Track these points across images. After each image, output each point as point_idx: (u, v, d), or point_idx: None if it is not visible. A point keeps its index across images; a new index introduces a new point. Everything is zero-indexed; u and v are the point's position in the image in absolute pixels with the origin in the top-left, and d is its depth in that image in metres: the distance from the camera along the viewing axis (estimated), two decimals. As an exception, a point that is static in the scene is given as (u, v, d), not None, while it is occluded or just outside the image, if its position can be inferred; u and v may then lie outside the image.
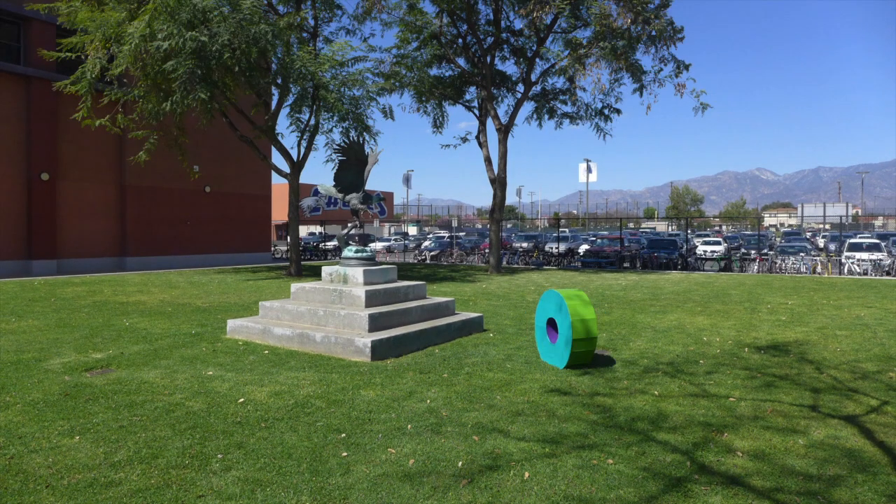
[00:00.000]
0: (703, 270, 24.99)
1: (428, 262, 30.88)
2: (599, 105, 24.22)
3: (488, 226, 28.35)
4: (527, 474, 4.20)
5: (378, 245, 37.55)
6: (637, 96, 22.42)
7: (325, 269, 9.57)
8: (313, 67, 18.23)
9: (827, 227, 54.51)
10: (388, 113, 22.10)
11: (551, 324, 7.91)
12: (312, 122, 21.05)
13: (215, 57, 16.47)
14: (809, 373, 7.08)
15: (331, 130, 21.52)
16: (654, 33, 20.54)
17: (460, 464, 4.38)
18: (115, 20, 16.56)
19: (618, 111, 24.29)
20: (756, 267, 24.58)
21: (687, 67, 21.56)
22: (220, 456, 4.52)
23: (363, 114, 20.44)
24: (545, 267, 26.76)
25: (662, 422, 5.31)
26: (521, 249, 31.36)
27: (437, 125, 25.71)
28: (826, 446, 4.76)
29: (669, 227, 71.45)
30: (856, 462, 4.45)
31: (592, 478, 4.15)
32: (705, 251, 30.35)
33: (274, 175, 27.35)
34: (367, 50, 21.84)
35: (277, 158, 28.21)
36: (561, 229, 43.59)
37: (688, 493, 3.95)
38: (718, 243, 32.81)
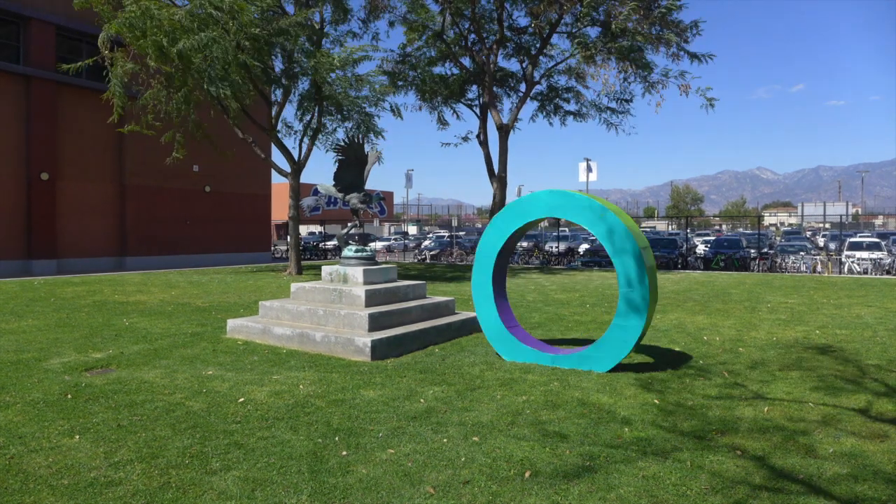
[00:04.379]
0: (703, 269, 24.98)
1: (428, 261, 30.87)
2: (606, 101, 24.27)
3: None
4: (527, 473, 4.20)
5: (378, 244, 37.55)
6: (646, 95, 22.48)
7: (325, 269, 9.57)
8: (319, 69, 18.25)
9: (827, 226, 54.48)
10: (395, 111, 22.03)
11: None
12: (315, 122, 21.08)
13: (231, 56, 16.55)
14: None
15: (334, 131, 21.59)
16: (661, 31, 20.53)
17: (460, 463, 4.38)
18: (168, 14, 16.36)
19: (628, 101, 24.27)
20: (756, 266, 24.57)
21: (703, 58, 21.38)
22: (220, 456, 4.52)
23: (370, 113, 20.46)
24: (545, 266, 26.75)
25: (662, 421, 5.31)
26: (520, 249, 31.36)
27: (443, 122, 25.75)
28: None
29: (669, 227, 71.40)
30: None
31: (592, 478, 4.15)
32: (705, 251, 30.36)
33: (273, 174, 27.39)
34: (371, 50, 21.89)
35: (277, 157, 28.20)
36: (561, 228, 43.57)
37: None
38: None
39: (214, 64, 16.58)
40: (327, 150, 20.96)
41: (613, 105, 24.20)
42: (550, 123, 25.79)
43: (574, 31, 22.65)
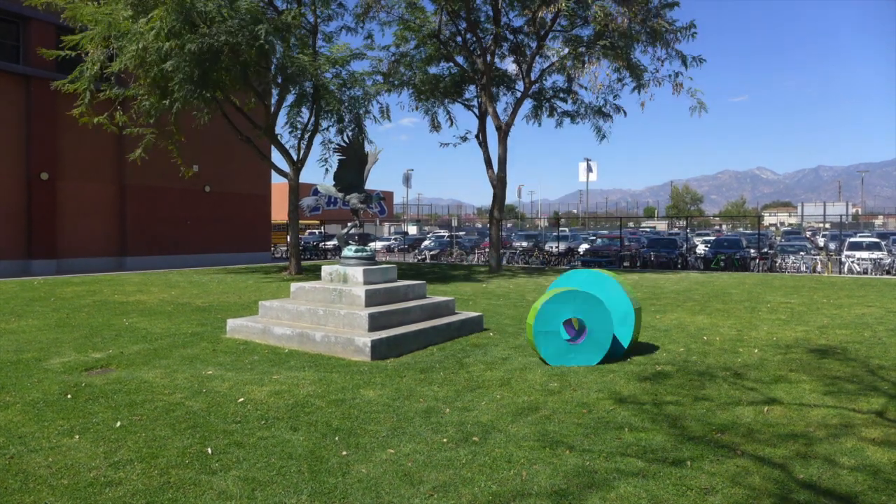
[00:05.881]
0: (703, 269, 24.97)
1: (428, 261, 30.88)
2: (601, 103, 24.16)
3: (488, 225, 28.34)
4: (525, 474, 4.20)
5: (378, 244, 37.54)
6: (637, 95, 22.45)
7: (325, 269, 9.57)
8: (312, 68, 18.22)
9: (827, 226, 54.45)
10: (384, 112, 22.03)
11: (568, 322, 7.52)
12: (312, 121, 21.07)
13: (214, 56, 16.47)
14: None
15: (327, 129, 21.58)
16: (649, 32, 20.53)
17: (460, 463, 4.38)
18: (123, 16, 16.47)
19: (623, 111, 24.17)
20: (756, 266, 24.56)
21: (694, 60, 21.38)
22: (220, 455, 4.52)
23: (362, 115, 20.44)
24: (545, 266, 26.76)
25: (662, 421, 5.31)
26: (521, 249, 31.35)
27: (436, 125, 25.67)
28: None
29: (669, 227, 71.40)
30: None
31: (592, 478, 4.14)
32: (705, 251, 30.36)
33: (274, 174, 27.35)
34: (366, 48, 21.79)
35: (277, 158, 28.16)
36: (561, 228, 43.55)
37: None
38: None
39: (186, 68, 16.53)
40: (322, 143, 20.99)
41: (607, 110, 24.13)
42: (539, 125, 25.80)
43: (569, 32, 22.65)
